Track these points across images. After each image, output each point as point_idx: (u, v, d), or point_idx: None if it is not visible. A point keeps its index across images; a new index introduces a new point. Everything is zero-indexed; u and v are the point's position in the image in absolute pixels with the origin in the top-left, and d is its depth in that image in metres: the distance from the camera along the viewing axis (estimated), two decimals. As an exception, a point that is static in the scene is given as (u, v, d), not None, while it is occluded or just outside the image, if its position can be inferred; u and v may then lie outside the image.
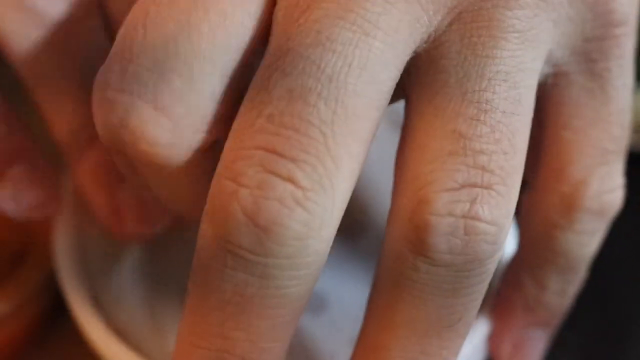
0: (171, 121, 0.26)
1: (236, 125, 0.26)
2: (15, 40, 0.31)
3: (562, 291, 0.32)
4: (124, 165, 0.28)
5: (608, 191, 0.30)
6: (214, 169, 0.27)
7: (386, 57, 0.26)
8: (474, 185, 0.26)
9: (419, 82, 0.27)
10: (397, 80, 0.27)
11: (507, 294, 0.33)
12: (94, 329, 0.33)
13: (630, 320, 0.39)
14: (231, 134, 0.26)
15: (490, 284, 0.32)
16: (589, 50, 0.29)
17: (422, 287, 0.26)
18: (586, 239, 0.31)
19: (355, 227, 0.35)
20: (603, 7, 0.29)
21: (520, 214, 0.32)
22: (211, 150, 0.28)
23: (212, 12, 0.26)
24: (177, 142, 0.27)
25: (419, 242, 0.26)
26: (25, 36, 0.31)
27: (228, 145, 0.26)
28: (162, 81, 0.26)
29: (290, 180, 0.25)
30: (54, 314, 0.37)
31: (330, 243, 0.26)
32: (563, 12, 0.28)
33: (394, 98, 0.28)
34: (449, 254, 0.26)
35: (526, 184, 0.31)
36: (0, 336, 0.36)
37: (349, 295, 0.34)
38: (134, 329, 0.33)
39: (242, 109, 0.26)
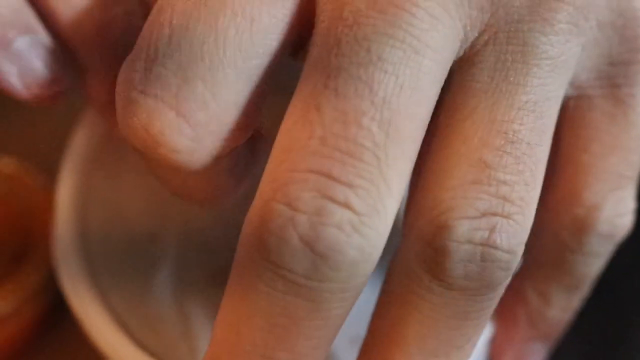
0: (192, 128, 0.26)
1: (283, 142, 0.26)
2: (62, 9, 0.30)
3: (566, 307, 0.32)
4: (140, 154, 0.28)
5: (620, 215, 0.30)
6: (231, 166, 0.27)
7: (434, 76, 0.26)
8: (495, 214, 0.26)
9: (449, 103, 0.27)
10: (437, 97, 0.27)
11: (510, 306, 0.33)
12: (100, 329, 0.33)
13: (631, 320, 0.39)
14: (278, 152, 0.26)
15: None
16: (614, 75, 0.29)
17: (435, 307, 0.27)
18: (594, 260, 0.31)
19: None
20: (631, 32, 0.29)
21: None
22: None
23: (240, 16, 0.26)
24: (197, 149, 0.26)
25: (436, 265, 0.26)
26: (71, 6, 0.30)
27: (275, 163, 0.26)
28: (185, 86, 0.26)
29: (347, 206, 0.25)
30: (54, 314, 0.37)
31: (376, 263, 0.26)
32: (592, 36, 0.28)
33: None
34: (464, 279, 0.26)
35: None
36: (0, 336, 0.36)
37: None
38: (147, 335, 0.33)
39: (289, 126, 0.26)
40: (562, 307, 0.32)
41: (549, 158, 0.30)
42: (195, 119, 0.26)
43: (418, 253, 0.27)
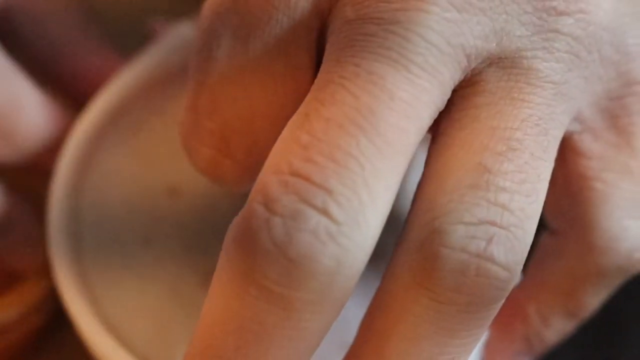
0: (244, 169, 0.30)
1: (276, 147, 0.26)
2: None
3: (563, 330, 0.32)
4: None
5: (639, 250, 0.30)
6: None
7: (429, 95, 0.26)
8: (493, 224, 0.25)
9: (449, 117, 0.27)
10: (435, 118, 0.26)
11: (509, 319, 0.33)
12: (96, 338, 0.33)
13: (629, 320, 0.40)
14: (270, 156, 0.26)
15: None
16: (613, 107, 0.29)
17: (419, 321, 0.26)
18: (604, 291, 0.31)
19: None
20: (624, 67, 0.29)
21: (537, 253, 0.32)
22: None
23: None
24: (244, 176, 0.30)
25: (425, 274, 0.25)
26: None
27: (265, 166, 0.26)
28: (230, 137, 0.29)
29: (325, 213, 0.24)
30: (56, 324, 0.37)
31: (357, 279, 0.25)
32: (595, 70, 0.28)
33: None
34: (454, 292, 0.25)
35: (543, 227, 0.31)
36: (1, 345, 0.36)
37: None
38: (140, 339, 0.33)
39: (282, 134, 0.26)
40: (559, 330, 0.32)
41: (561, 191, 0.30)
42: (245, 162, 0.30)
43: (408, 259, 0.26)
